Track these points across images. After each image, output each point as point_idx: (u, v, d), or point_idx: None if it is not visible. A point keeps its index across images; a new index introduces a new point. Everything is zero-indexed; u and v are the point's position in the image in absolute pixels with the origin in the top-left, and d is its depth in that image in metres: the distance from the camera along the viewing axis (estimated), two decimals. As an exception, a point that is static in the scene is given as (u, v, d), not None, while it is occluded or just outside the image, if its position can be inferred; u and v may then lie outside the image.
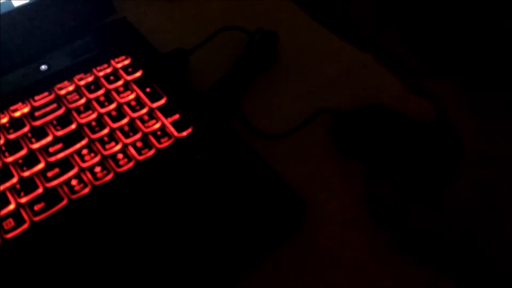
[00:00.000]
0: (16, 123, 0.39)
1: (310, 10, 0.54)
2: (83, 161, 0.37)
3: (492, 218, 0.34)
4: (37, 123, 0.39)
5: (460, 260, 0.34)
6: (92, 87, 0.42)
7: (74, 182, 0.36)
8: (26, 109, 0.40)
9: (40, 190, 0.35)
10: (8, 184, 0.35)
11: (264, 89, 0.46)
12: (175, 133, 0.39)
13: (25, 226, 0.34)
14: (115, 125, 0.39)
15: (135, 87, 0.42)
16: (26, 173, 0.36)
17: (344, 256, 0.36)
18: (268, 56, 0.48)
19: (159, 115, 0.40)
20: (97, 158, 0.37)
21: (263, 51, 0.48)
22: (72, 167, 0.37)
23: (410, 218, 0.36)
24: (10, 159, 0.37)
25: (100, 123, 0.39)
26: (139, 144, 0.38)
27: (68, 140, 0.38)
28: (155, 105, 0.41)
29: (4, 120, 0.39)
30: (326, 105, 0.45)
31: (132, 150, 0.38)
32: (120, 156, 0.38)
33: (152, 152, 0.38)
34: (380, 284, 0.35)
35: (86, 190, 0.36)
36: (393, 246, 0.36)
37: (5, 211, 0.34)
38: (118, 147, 0.38)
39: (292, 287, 0.35)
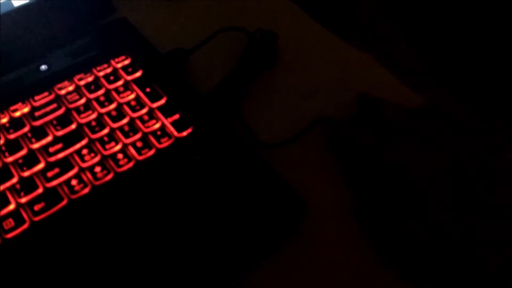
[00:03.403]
0: (16, 123, 0.39)
1: (310, 10, 0.54)
2: (83, 161, 0.37)
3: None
4: (37, 123, 0.39)
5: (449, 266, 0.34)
6: (92, 87, 0.42)
7: (74, 182, 0.36)
8: (26, 109, 0.40)
9: (40, 190, 0.35)
10: (8, 184, 0.35)
11: (264, 90, 0.46)
12: (175, 133, 0.39)
13: (25, 226, 0.34)
14: (115, 125, 0.39)
15: (135, 87, 0.42)
16: (26, 173, 0.36)
17: (342, 257, 0.36)
18: (268, 56, 0.48)
19: (159, 115, 0.40)
20: (97, 158, 0.37)
21: (263, 51, 0.48)
22: (72, 167, 0.37)
23: (398, 228, 0.36)
24: (10, 159, 0.37)
25: (100, 123, 0.39)
26: (139, 144, 0.38)
27: (68, 140, 0.38)
28: (155, 105, 0.41)
29: (4, 120, 0.39)
30: (325, 105, 0.45)
31: (132, 150, 0.38)
32: (120, 156, 0.38)
33: (152, 152, 0.38)
34: (377, 285, 0.35)
35: (86, 190, 0.36)
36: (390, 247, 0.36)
37: (5, 211, 0.34)
38: (118, 147, 0.38)
39: (292, 286, 0.35)
